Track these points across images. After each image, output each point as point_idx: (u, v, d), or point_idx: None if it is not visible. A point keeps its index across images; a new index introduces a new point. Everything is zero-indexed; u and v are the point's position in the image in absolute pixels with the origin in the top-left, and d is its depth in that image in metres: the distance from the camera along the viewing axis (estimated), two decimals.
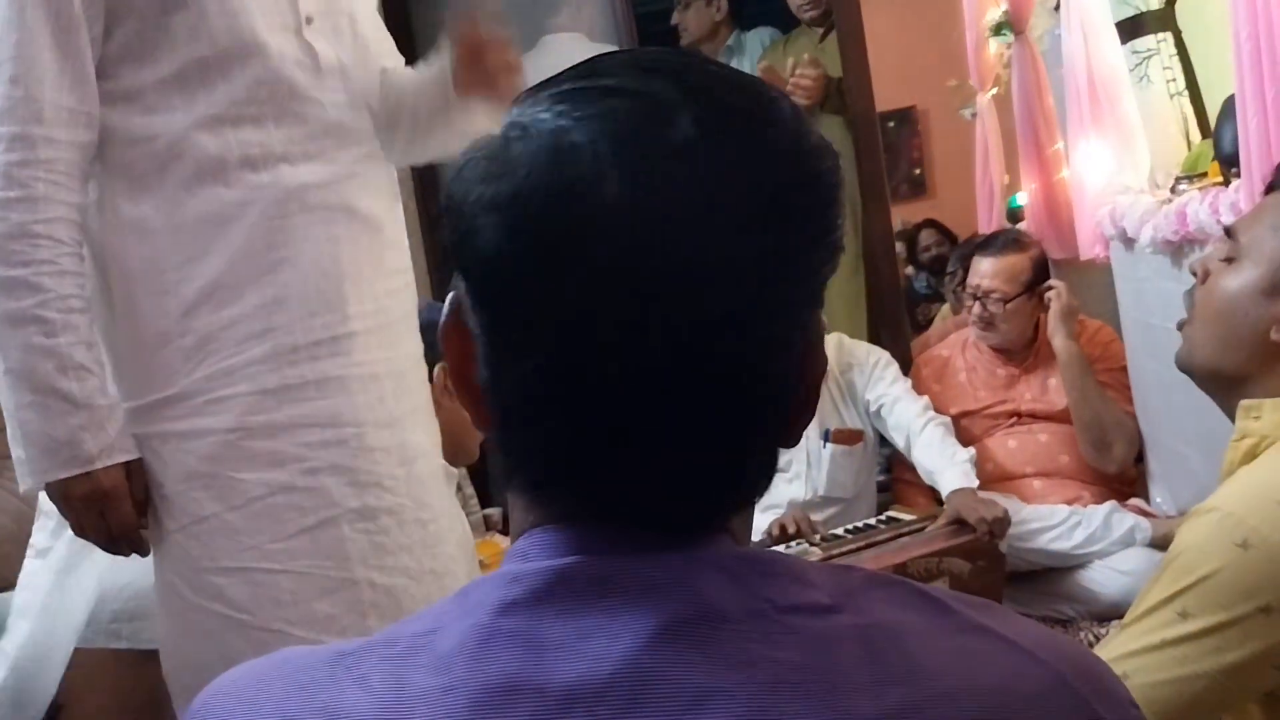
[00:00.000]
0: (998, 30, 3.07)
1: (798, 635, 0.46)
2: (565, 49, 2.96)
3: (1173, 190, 2.05)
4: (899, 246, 4.05)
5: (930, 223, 4.56)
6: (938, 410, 2.53)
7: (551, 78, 0.49)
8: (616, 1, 2.90)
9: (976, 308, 2.57)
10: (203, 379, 1.24)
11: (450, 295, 0.50)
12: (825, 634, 0.46)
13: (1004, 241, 2.68)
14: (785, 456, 2.51)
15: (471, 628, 0.46)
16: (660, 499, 0.48)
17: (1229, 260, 1.08)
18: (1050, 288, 2.55)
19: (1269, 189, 1.13)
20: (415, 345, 1.40)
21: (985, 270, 2.57)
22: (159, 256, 1.25)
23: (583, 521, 0.48)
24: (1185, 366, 1.14)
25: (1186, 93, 2.44)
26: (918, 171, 5.57)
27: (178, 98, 1.24)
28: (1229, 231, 1.11)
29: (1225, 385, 1.09)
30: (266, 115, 1.26)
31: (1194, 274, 1.14)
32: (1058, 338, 2.49)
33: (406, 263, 1.42)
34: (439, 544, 1.35)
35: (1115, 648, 1.00)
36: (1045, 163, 2.96)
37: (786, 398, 0.49)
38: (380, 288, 1.34)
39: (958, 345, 2.78)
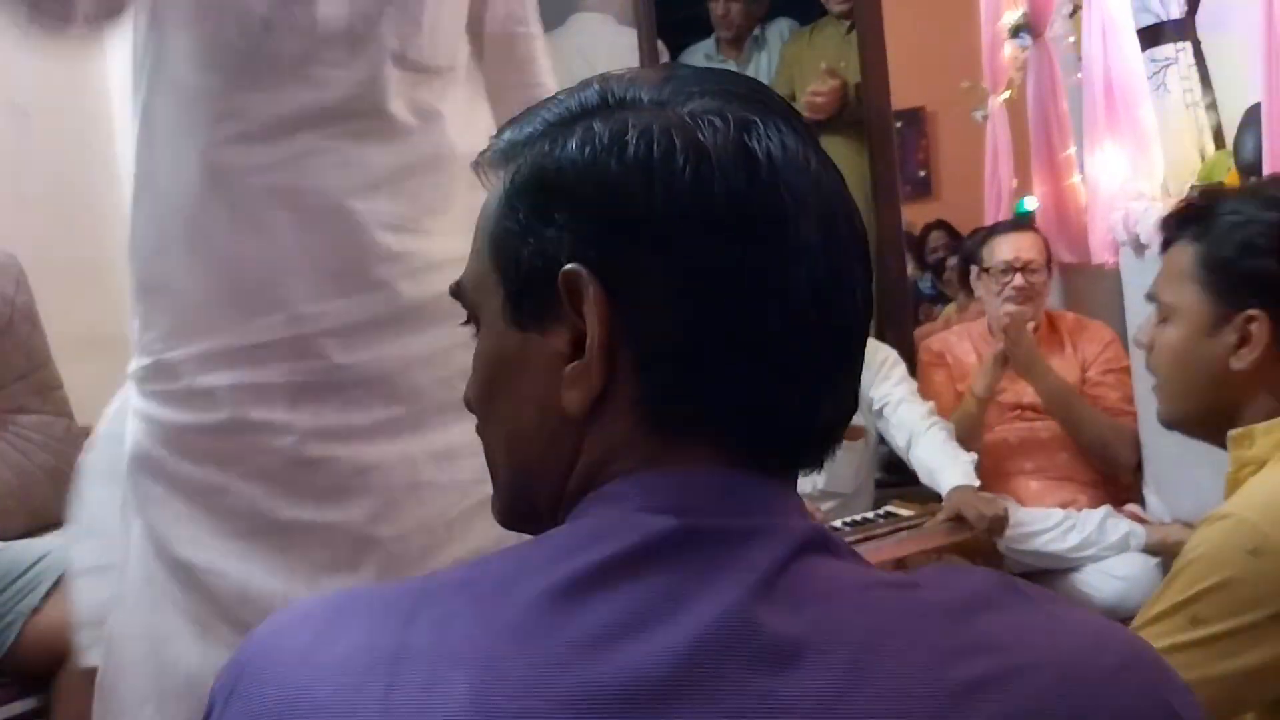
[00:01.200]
0: (1015, 32, 3.08)
1: (885, 606, 0.48)
2: (592, 29, 2.96)
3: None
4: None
5: (940, 224, 4.56)
6: (943, 389, 2.54)
7: (709, 78, 0.56)
8: None
9: (1017, 280, 2.52)
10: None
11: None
12: (911, 606, 0.48)
13: (1015, 222, 2.69)
14: None
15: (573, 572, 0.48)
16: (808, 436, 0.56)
17: (1164, 321, 1.15)
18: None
19: (1165, 245, 1.19)
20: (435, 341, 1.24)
21: (1015, 245, 2.55)
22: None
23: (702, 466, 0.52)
24: (1169, 425, 1.20)
25: (1203, 103, 2.45)
26: (923, 173, 5.59)
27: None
28: (1151, 297, 1.18)
29: (1211, 427, 1.13)
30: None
31: (1140, 345, 1.21)
32: (1035, 380, 2.46)
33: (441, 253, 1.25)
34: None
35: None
36: (1057, 167, 2.96)
37: None
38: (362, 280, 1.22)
39: (964, 334, 2.79)
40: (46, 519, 1.92)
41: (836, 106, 2.98)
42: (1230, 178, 1.90)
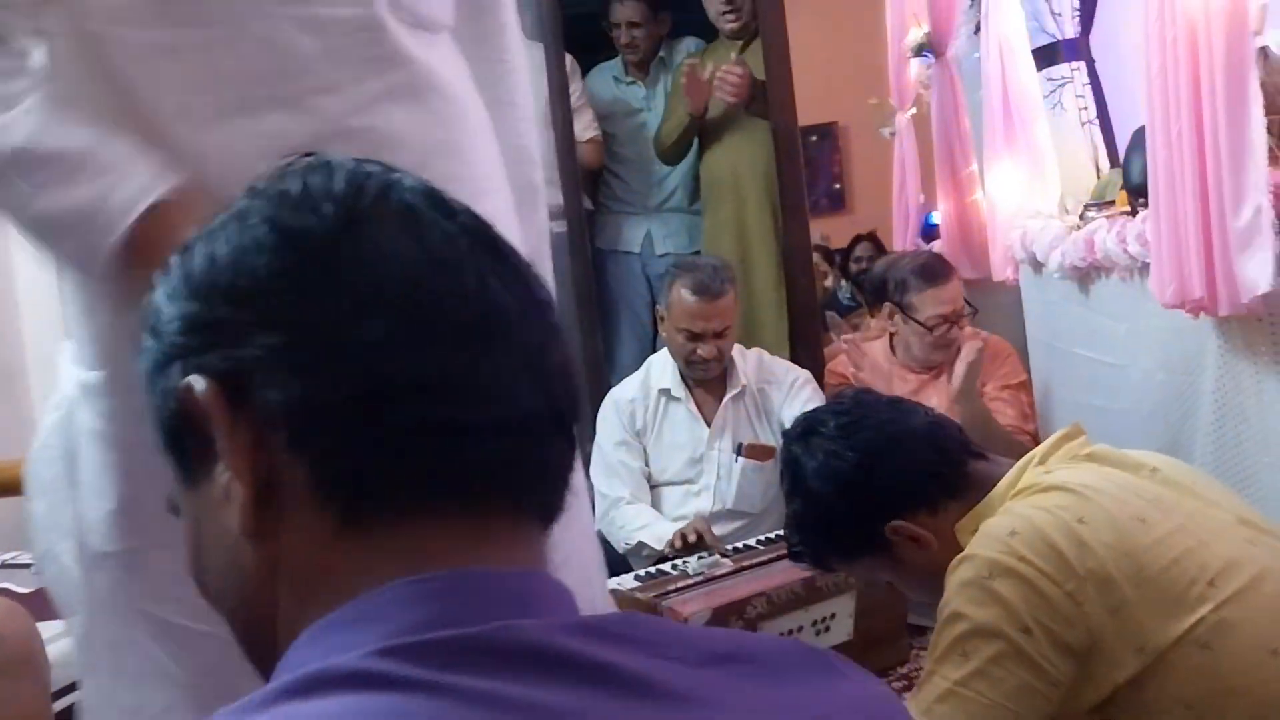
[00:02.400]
0: (919, 51, 3.12)
1: None
2: None
3: (1081, 217, 2.10)
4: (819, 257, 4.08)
5: (869, 236, 4.62)
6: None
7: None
8: (545, 6, 2.86)
9: (944, 331, 2.50)
10: None
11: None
12: None
13: (942, 268, 2.66)
14: (695, 468, 2.53)
15: None
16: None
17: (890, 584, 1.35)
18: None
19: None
20: None
21: (945, 297, 2.51)
22: None
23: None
24: None
25: (1098, 121, 2.50)
26: (837, 186, 5.65)
27: None
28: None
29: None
30: None
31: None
32: (964, 403, 2.46)
33: None
34: None
35: (922, 699, 1.08)
36: (960, 184, 3.01)
37: None
38: None
39: (865, 355, 2.78)
40: None
41: (747, 94, 2.96)
42: (1120, 201, 1.94)
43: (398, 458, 0.46)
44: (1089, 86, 2.49)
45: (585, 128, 3.14)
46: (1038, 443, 2.49)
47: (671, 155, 3.22)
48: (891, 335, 2.66)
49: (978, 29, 3.05)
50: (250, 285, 0.48)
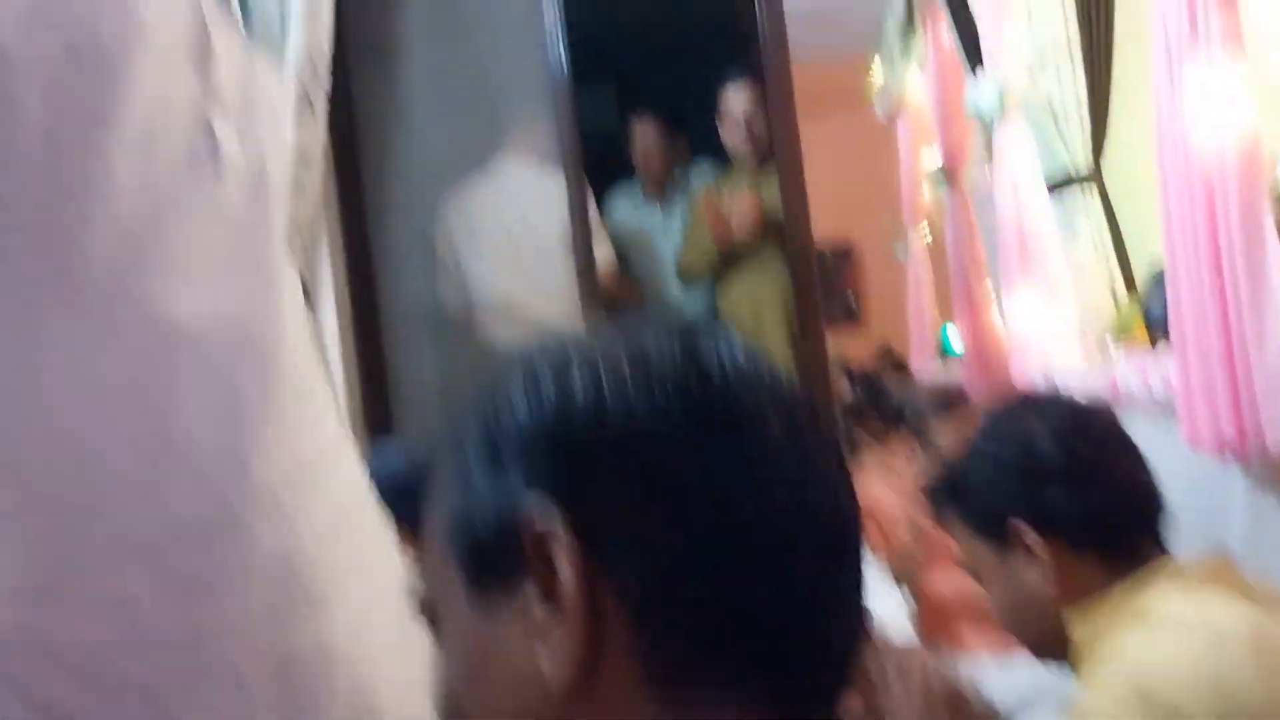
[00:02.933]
0: (933, 178, 3.17)
1: None
2: (517, 173, 2.98)
3: (1102, 350, 2.10)
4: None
5: (884, 353, 4.69)
6: (875, 541, 2.51)
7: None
8: (563, 126, 2.93)
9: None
10: None
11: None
12: None
13: (956, 399, 2.67)
14: None
15: None
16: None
17: (981, 585, 1.22)
18: None
19: (938, 522, 1.29)
20: None
21: (962, 427, 2.54)
22: None
23: None
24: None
25: (1111, 247, 2.52)
26: (852, 302, 5.69)
27: None
28: (963, 565, 1.25)
29: (1052, 642, 1.15)
30: None
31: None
32: None
33: None
34: None
35: None
36: (976, 306, 3.02)
37: None
38: None
39: (887, 486, 2.78)
40: None
41: (758, 226, 3.02)
42: (1139, 333, 1.94)
43: (735, 644, 0.46)
44: (1102, 214, 2.52)
45: (602, 256, 3.19)
46: None
47: (694, 280, 3.29)
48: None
49: (990, 158, 3.12)
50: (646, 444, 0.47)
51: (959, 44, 2.68)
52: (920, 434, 2.53)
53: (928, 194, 3.61)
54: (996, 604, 1.19)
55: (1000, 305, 2.77)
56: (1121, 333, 2.11)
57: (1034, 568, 1.11)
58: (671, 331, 0.50)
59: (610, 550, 0.46)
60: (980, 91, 2.36)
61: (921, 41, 3.18)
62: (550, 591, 0.46)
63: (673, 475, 0.47)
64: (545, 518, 0.46)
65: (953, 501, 1.21)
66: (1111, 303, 2.43)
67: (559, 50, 2.92)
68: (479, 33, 3.01)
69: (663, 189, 3.45)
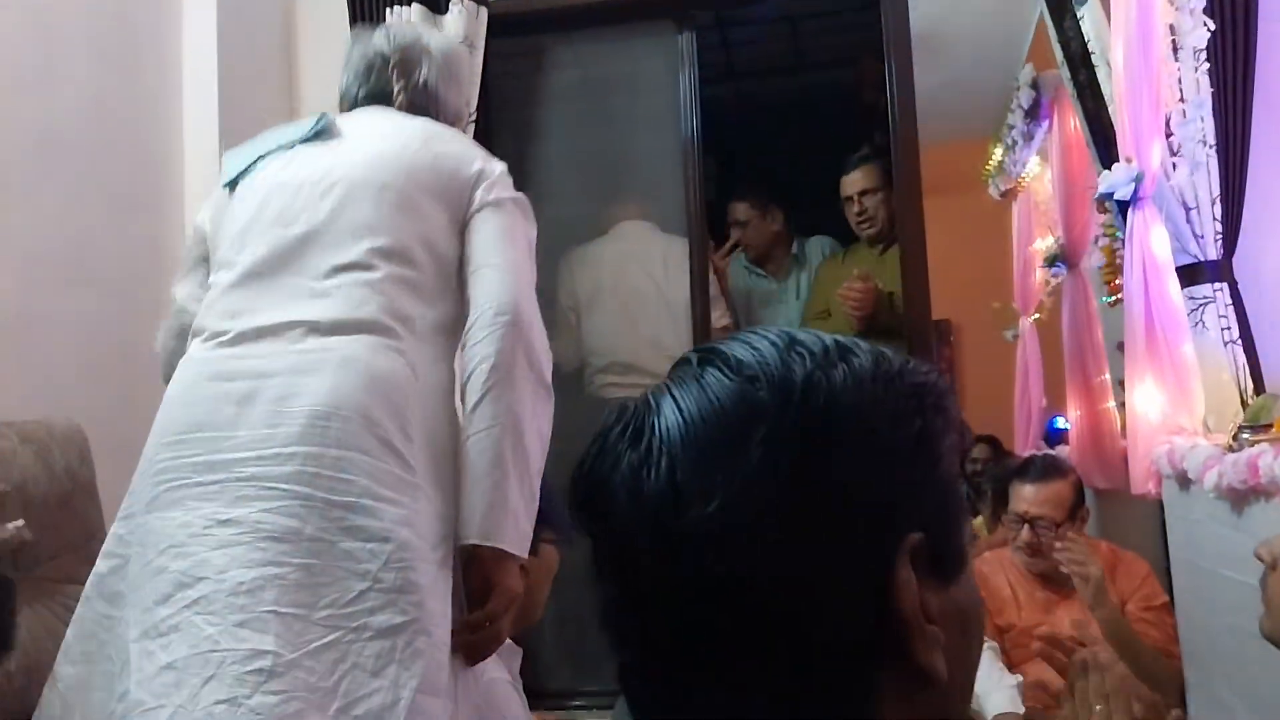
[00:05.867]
0: (1052, 261, 3.19)
1: None
2: (638, 234, 3.07)
3: (1235, 438, 2.09)
4: None
5: (988, 439, 4.61)
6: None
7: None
8: (690, 195, 3.02)
9: (1025, 533, 2.56)
10: None
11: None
12: None
13: (1044, 467, 2.67)
14: None
15: None
16: None
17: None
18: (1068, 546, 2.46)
19: None
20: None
21: (1031, 497, 2.57)
22: None
23: None
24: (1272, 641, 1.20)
25: (1240, 342, 2.51)
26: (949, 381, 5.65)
27: None
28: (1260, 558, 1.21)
29: None
30: None
31: (1261, 559, 1.19)
32: (1098, 610, 2.43)
33: None
34: None
35: None
36: (1092, 392, 3.02)
37: None
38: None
39: (997, 563, 2.77)
40: None
41: (870, 306, 3.07)
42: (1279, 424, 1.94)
43: None
44: (1231, 307, 2.52)
45: (720, 315, 3.26)
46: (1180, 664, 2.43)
47: None
48: None
49: (1096, 240, 3.13)
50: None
51: (1088, 131, 2.72)
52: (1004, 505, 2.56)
53: (1039, 277, 3.63)
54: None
55: (1121, 397, 2.77)
56: (1256, 423, 2.10)
57: None
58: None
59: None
60: (1115, 178, 2.39)
61: (1045, 128, 3.22)
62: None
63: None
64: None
65: None
66: (1237, 396, 2.42)
67: (692, 125, 3.03)
68: (616, 102, 3.13)
69: (765, 261, 3.54)
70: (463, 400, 1.51)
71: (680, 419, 0.55)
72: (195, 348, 1.55)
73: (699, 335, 3.01)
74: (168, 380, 1.62)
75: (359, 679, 1.27)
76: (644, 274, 3.09)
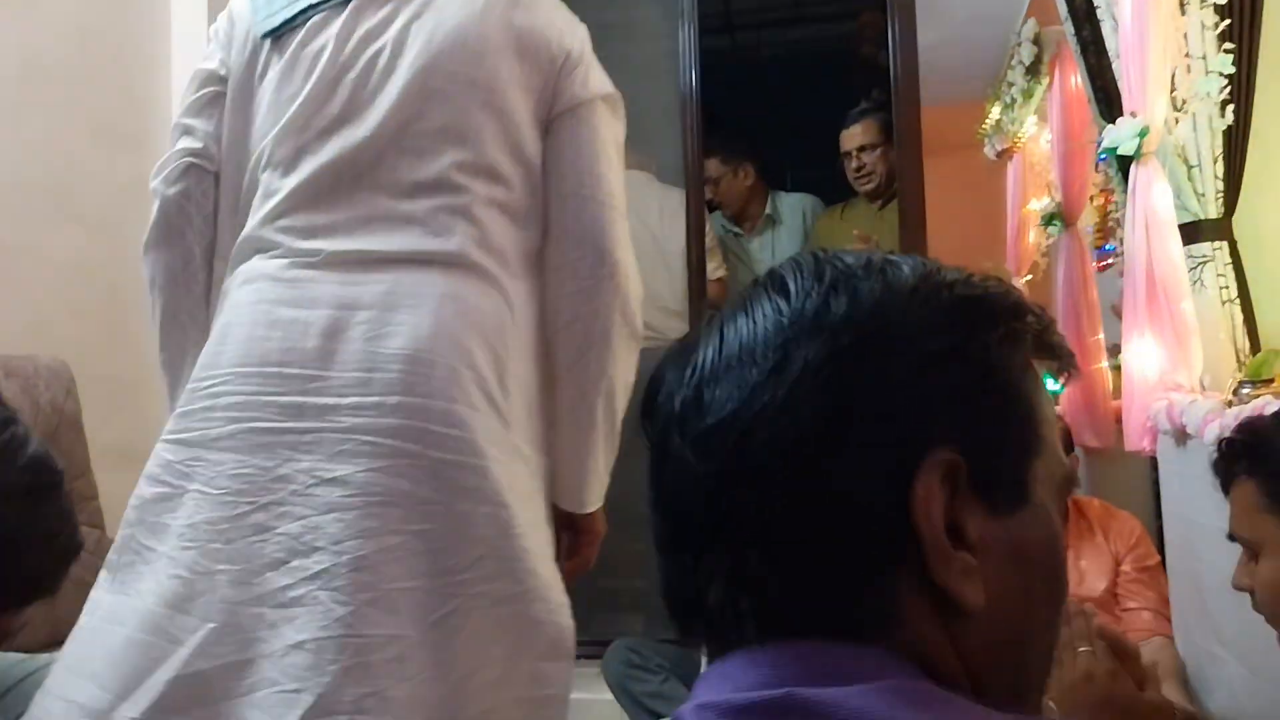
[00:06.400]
0: (1049, 221, 3.18)
1: None
2: (638, 186, 3.04)
3: (1235, 393, 2.08)
4: None
5: None
6: None
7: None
8: (688, 146, 2.99)
9: None
10: None
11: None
12: None
13: None
14: None
15: None
16: None
17: (1254, 558, 1.17)
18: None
19: (1225, 487, 1.24)
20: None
21: None
22: None
23: None
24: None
25: (1238, 301, 2.51)
26: None
27: None
28: (1233, 537, 1.20)
29: None
30: None
31: (1242, 589, 1.22)
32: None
33: None
34: None
35: None
36: (1085, 351, 3.01)
37: None
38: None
39: None
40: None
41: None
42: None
43: None
44: (1230, 266, 2.51)
45: (715, 267, 3.24)
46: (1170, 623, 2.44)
47: None
48: None
49: (1091, 199, 3.12)
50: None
51: (1090, 87, 2.70)
52: None
53: (1032, 238, 3.62)
54: (1266, 583, 1.15)
55: (1112, 355, 2.77)
56: (1257, 378, 2.10)
57: None
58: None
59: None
60: (1120, 132, 2.37)
61: (1045, 86, 3.20)
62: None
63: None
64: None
65: (1256, 469, 1.16)
66: (1234, 355, 2.42)
67: (691, 76, 2.99)
68: (612, 50, 3.08)
69: (740, 218, 3.51)
70: (551, 342, 1.41)
71: (719, 341, 0.56)
72: (261, 264, 1.36)
73: (694, 286, 2.99)
74: (161, 242, 1.45)
75: (479, 649, 1.21)
76: (640, 224, 3.06)
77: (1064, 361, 0.60)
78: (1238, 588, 1.21)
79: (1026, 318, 0.57)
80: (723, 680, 0.51)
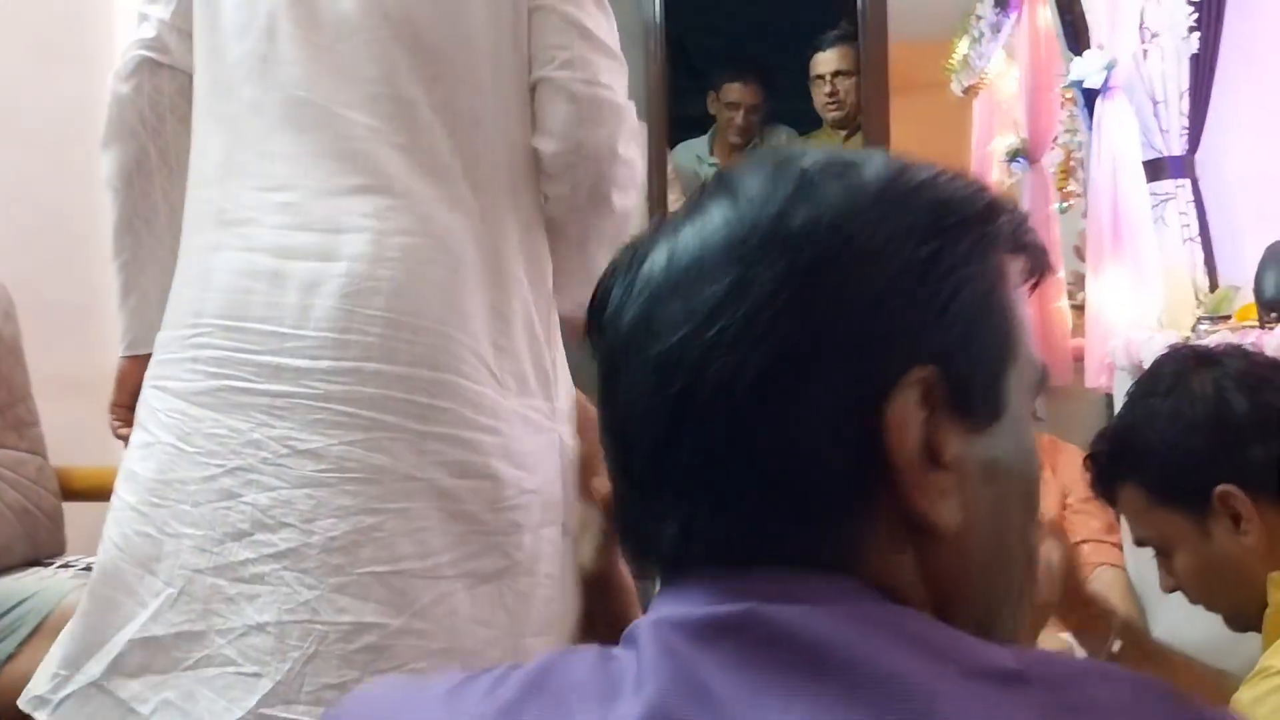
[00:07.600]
0: (1013, 157, 3.16)
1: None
2: None
3: (1194, 329, 2.09)
4: None
5: None
6: None
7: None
8: (650, 74, 2.94)
9: None
10: None
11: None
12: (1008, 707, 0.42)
13: None
14: None
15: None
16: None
17: (1166, 555, 1.16)
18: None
19: (1110, 501, 1.24)
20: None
21: None
22: None
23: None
24: (1246, 630, 1.17)
25: (1199, 239, 2.52)
26: None
27: None
28: (1141, 542, 1.19)
29: (1255, 610, 1.10)
30: None
31: (1168, 591, 1.20)
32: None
33: None
34: None
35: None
36: (1045, 290, 3.02)
37: None
38: None
39: None
40: (11, 560, 1.82)
41: None
42: (1245, 312, 1.94)
43: None
44: (1192, 204, 2.51)
45: (676, 199, 3.20)
46: (1122, 553, 2.48)
47: None
48: None
49: (1056, 138, 3.11)
50: None
51: (1059, 21, 2.67)
52: None
53: (996, 174, 3.60)
54: (1187, 575, 1.13)
55: (1072, 292, 2.77)
56: (1216, 314, 2.11)
57: (1243, 533, 1.06)
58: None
59: None
60: (1087, 65, 2.35)
61: (1013, 21, 3.16)
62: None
63: None
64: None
65: (1132, 471, 1.15)
66: (1192, 293, 2.43)
67: (654, 5, 2.93)
68: None
69: (740, 150, 3.46)
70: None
71: (669, 252, 0.52)
72: (236, 204, 1.23)
73: (655, 219, 2.95)
74: (113, 140, 1.35)
75: (469, 631, 1.14)
76: None
77: (1038, 260, 0.56)
78: (1167, 591, 1.19)
79: (1000, 218, 0.54)
80: (680, 597, 0.48)
